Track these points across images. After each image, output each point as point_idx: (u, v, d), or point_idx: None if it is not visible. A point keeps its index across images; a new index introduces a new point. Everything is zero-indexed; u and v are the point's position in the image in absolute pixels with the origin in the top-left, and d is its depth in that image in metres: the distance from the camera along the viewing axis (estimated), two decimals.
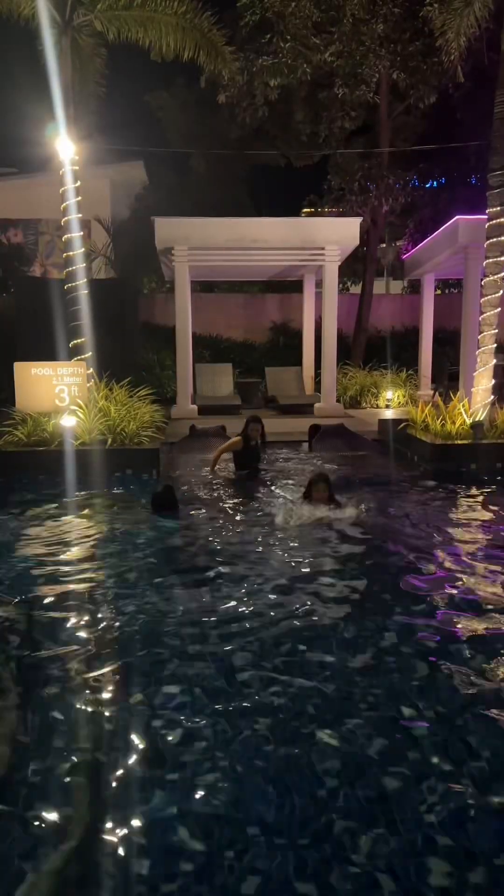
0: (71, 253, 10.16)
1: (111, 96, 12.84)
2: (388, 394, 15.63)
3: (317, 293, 16.11)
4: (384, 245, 25.61)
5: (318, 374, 15.32)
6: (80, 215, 9.90)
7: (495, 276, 10.08)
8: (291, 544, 5.87)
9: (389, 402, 15.31)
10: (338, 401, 14.71)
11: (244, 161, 22.28)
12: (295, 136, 18.99)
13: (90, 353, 10.13)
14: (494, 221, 10.02)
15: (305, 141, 18.89)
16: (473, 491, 8.17)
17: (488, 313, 10.15)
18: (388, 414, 13.42)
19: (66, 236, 9.94)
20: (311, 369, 16.61)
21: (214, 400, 14.56)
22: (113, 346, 13.44)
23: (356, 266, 20.96)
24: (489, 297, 10.13)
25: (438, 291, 21.10)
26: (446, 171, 19.21)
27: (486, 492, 8.16)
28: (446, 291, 23.65)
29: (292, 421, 12.62)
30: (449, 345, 17.61)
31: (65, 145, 9.56)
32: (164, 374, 16.45)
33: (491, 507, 7.48)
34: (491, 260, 10.08)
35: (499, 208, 9.96)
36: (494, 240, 10.04)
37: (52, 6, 9.33)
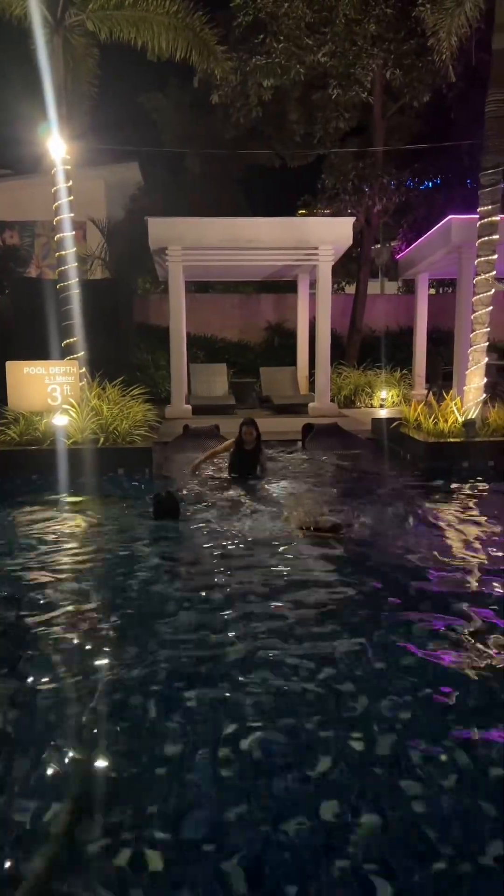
0: (63, 252, 10.17)
1: (105, 97, 12.84)
2: (383, 394, 15.65)
3: (311, 294, 16.13)
4: (378, 245, 25.67)
5: (312, 375, 15.33)
6: (72, 214, 9.90)
7: (487, 275, 10.10)
8: (280, 548, 5.86)
9: (384, 402, 15.34)
10: (332, 400, 14.72)
11: (239, 161, 22.30)
12: (289, 135, 19.05)
13: (82, 353, 10.13)
14: (486, 220, 10.05)
15: (300, 141, 18.93)
16: (466, 489, 8.20)
17: (480, 311, 10.17)
18: (383, 413, 13.43)
19: (58, 236, 9.93)
20: (305, 369, 16.66)
21: (209, 400, 14.56)
22: (107, 346, 13.40)
23: (350, 266, 20.98)
24: (481, 295, 10.15)
25: (433, 291, 21.17)
26: (440, 172, 19.27)
27: (479, 489, 8.19)
28: (441, 291, 23.68)
29: (287, 420, 12.62)
30: (443, 345, 17.63)
31: (57, 144, 9.56)
32: (158, 374, 16.47)
33: (483, 503, 7.51)
34: (483, 258, 10.10)
35: (490, 207, 9.99)
36: (486, 238, 10.07)
37: (43, 6, 9.33)
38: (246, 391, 15.95)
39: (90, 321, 10.54)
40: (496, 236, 10.05)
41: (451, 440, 9.51)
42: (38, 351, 11.12)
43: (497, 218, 10.01)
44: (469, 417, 9.83)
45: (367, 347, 18.69)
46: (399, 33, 15.33)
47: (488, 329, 10.27)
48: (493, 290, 10.21)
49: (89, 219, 18.11)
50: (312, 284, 15.82)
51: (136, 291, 20.37)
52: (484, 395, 10.37)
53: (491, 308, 10.21)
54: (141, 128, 23.30)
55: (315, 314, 14.47)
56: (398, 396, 15.57)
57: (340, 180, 17.30)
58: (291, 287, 18.16)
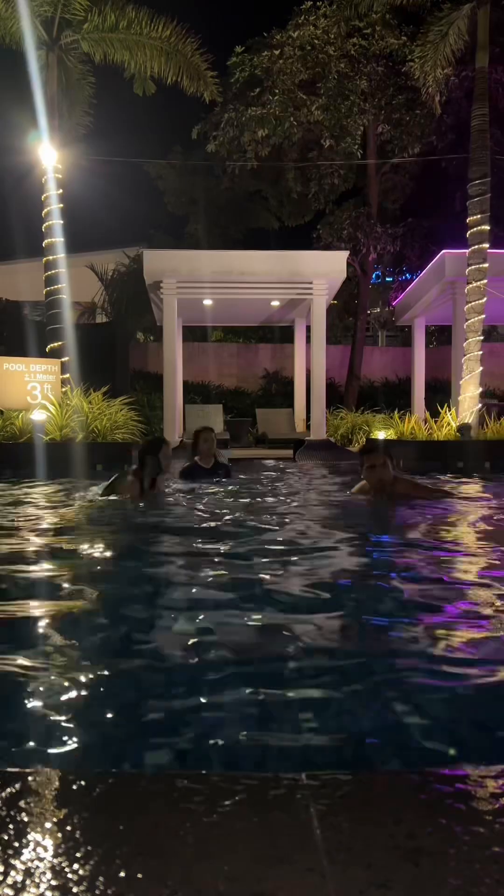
0: (51, 272, 10.16)
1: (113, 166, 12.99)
2: (381, 434, 15.31)
3: (307, 341, 16.10)
4: (378, 310, 26.06)
5: (309, 418, 15.09)
6: (61, 221, 9.95)
7: (478, 283, 10.00)
8: None
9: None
10: (329, 437, 14.37)
11: (240, 224, 22.97)
12: (286, 194, 19.59)
13: (67, 358, 9.96)
14: (476, 229, 10.05)
15: (296, 198, 19.45)
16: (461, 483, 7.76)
17: (472, 319, 10.01)
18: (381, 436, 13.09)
19: (46, 241, 9.95)
20: (302, 412, 16.43)
21: None
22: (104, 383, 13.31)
23: (348, 321, 21.18)
24: (472, 303, 10.01)
25: (433, 344, 21.22)
26: (433, 228, 19.65)
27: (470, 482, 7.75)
28: (435, 340, 23.74)
29: (281, 452, 12.28)
30: (441, 394, 17.47)
31: (47, 153, 9.72)
32: (153, 414, 16.31)
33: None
34: (473, 267, 10.03)
35: (479, 216, 10.01)
36: (476, 247, 10.03)
37: (39, 25, 9.69)
38: (241, 429, 15.70)
39: (87, 362, 10.43)
40: (486, 245, 10.02)
41: (445, 439, 9.14)
42: None
43: (486, 227, 10.01)
44: (465, 422, 9.49)
45: (366, 396, 18.55)
46: (389, 89, 15.96)
47: (481, 337, 10.08)
48: (485, 298, 10.06)
49: (88, 265, 18.36)
50: (308, 330, 15.80)
51: (133, 335, 20.51)
52: (480, 405, 10.06)
53: (483, 316, 10.04)
54: (146, 194, 24.40)
55: (310, 361, 14.32)
56: (396, 436, 15.22)
57: (335, 229, 17.61)
58: (288, 336, 18.20)
